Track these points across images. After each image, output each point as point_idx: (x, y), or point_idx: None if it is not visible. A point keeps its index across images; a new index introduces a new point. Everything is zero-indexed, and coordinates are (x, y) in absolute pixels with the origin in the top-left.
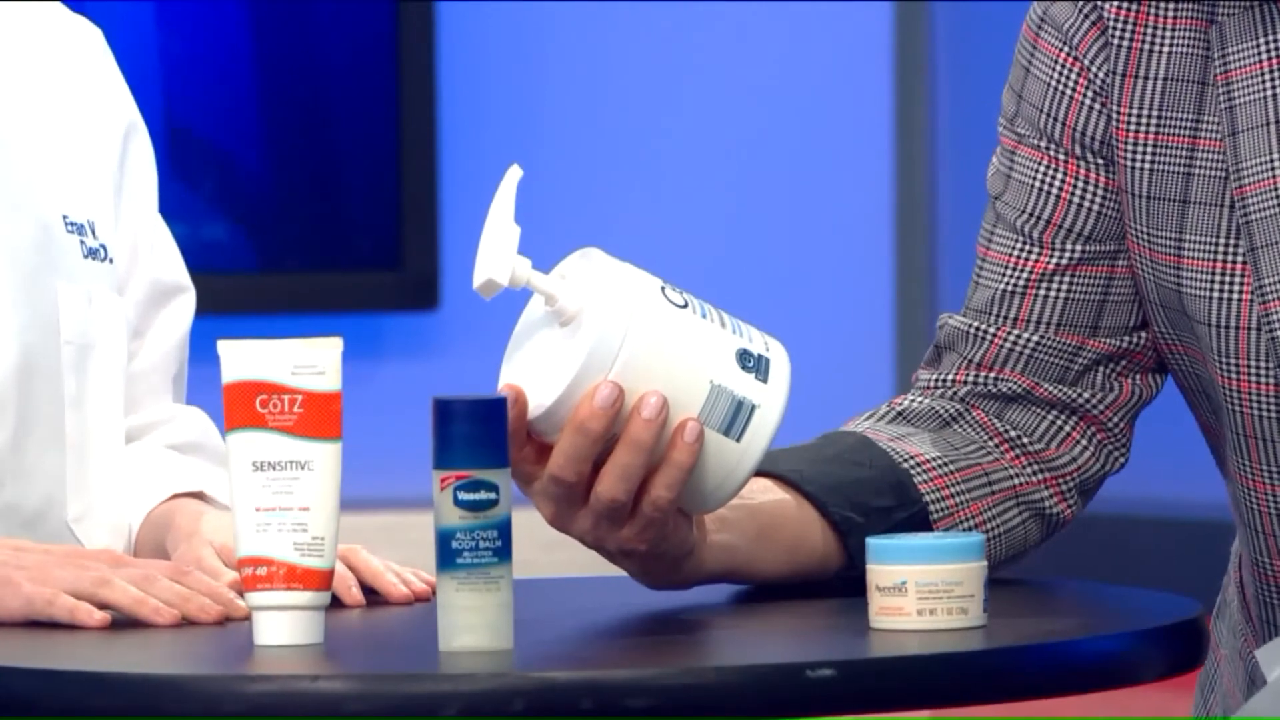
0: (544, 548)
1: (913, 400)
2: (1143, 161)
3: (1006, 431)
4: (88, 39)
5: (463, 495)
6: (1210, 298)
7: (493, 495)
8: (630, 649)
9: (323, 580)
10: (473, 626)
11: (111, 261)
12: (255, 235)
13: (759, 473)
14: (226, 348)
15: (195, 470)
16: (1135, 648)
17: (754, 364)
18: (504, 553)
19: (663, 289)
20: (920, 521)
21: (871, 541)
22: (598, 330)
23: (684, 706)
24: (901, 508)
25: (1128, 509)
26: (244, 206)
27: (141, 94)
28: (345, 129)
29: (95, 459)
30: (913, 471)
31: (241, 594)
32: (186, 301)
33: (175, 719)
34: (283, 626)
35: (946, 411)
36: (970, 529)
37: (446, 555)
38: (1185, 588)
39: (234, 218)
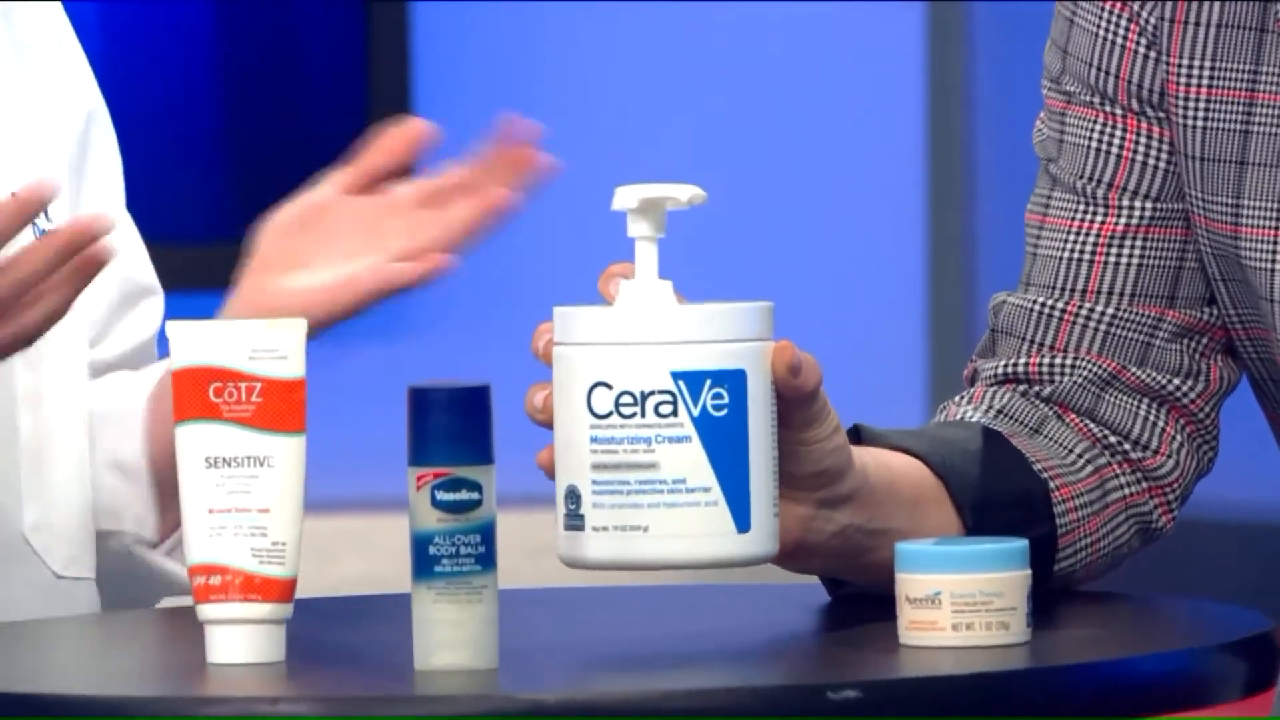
0: (531, 555)
1: (1001, 396)
2: (1195, 118)
3: (1105, 437)
4: (48, 15)
5: (441, 495)
6: (1272, 270)
7: (475, 495)
8: (629, 668)
9: (284, 590)
10: (453, 643)
11: None
12: (208, 202)
13: (906, 451)
14: (176, 330)
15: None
16: (1199, 667)
17: (573, 503)
18: (487, 560)
19: (594, 386)
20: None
21: (901, 547)
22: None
23: None
24: (1033, 524)
25: (1190, 511)
26: (196, 170)
27: (92, 53)
28: (310, 86)
29: (54, 463)
30: (1049, 485)
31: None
32: (155, 305)
33: None
34: (239, 642)
35: (1036, 416)
36: (1084, 548)
37: (423, 563)
38: (1255, 600)
39: (185, 183)
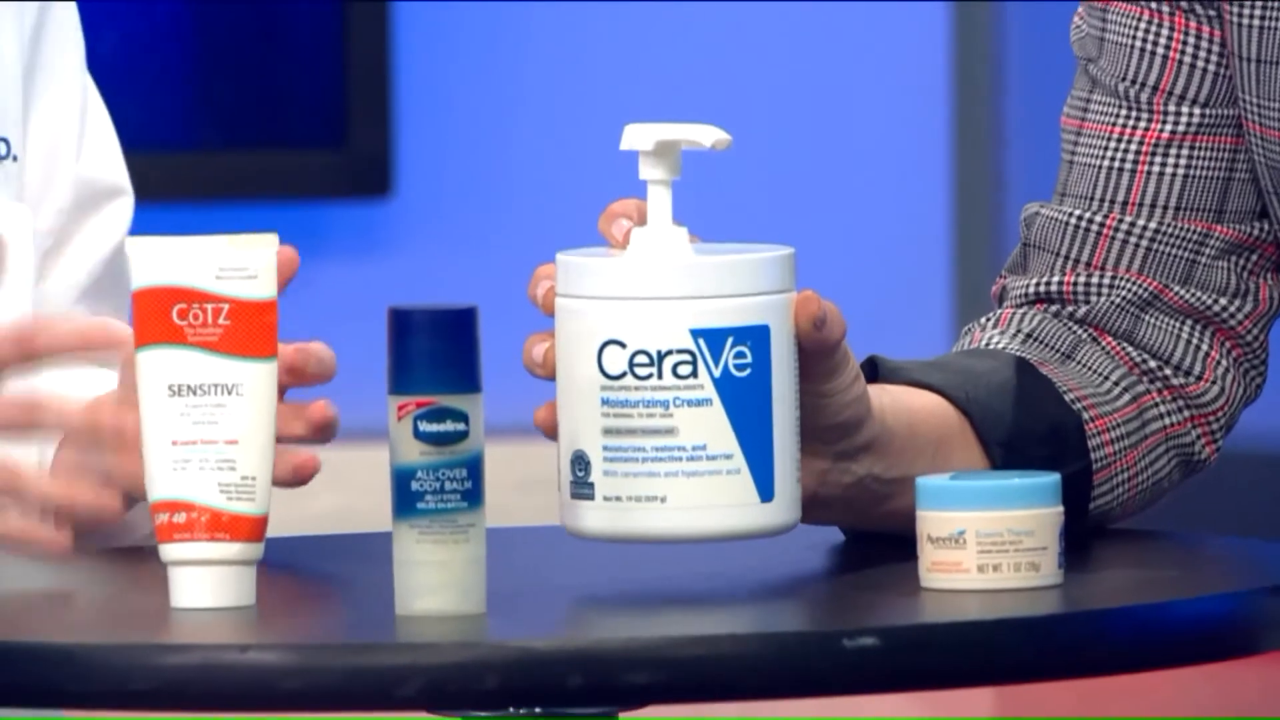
0: (522, 489)
1: (1031, 318)
2: (1251, 17)
3: (1144, 362)
4: None
5: (425, 426)
6: None
7: (461, 426)
8: (628, 613)
9: (254, 529)
10: (436, 586)
11: (15, 159)
12: (169, 106)
13: (926, 387)
14: (136, 246)
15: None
16: (1245, 611)
17: (581, 470)
18: (474, 496)
19: (605, 344)
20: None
21: (922, 482)
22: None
23: (694, 683)
24: (1066, 459)
25: (1236, 441)
26: (156, 71)
27: None
28: None
29: None
30: (1082, 416)
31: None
32: (122, 207)
33: (74, 697)
34: (205, 585)
35: (1068, 340)
36: (1122, 483)
37: (405, 499)
38: None
39: (144, 85)
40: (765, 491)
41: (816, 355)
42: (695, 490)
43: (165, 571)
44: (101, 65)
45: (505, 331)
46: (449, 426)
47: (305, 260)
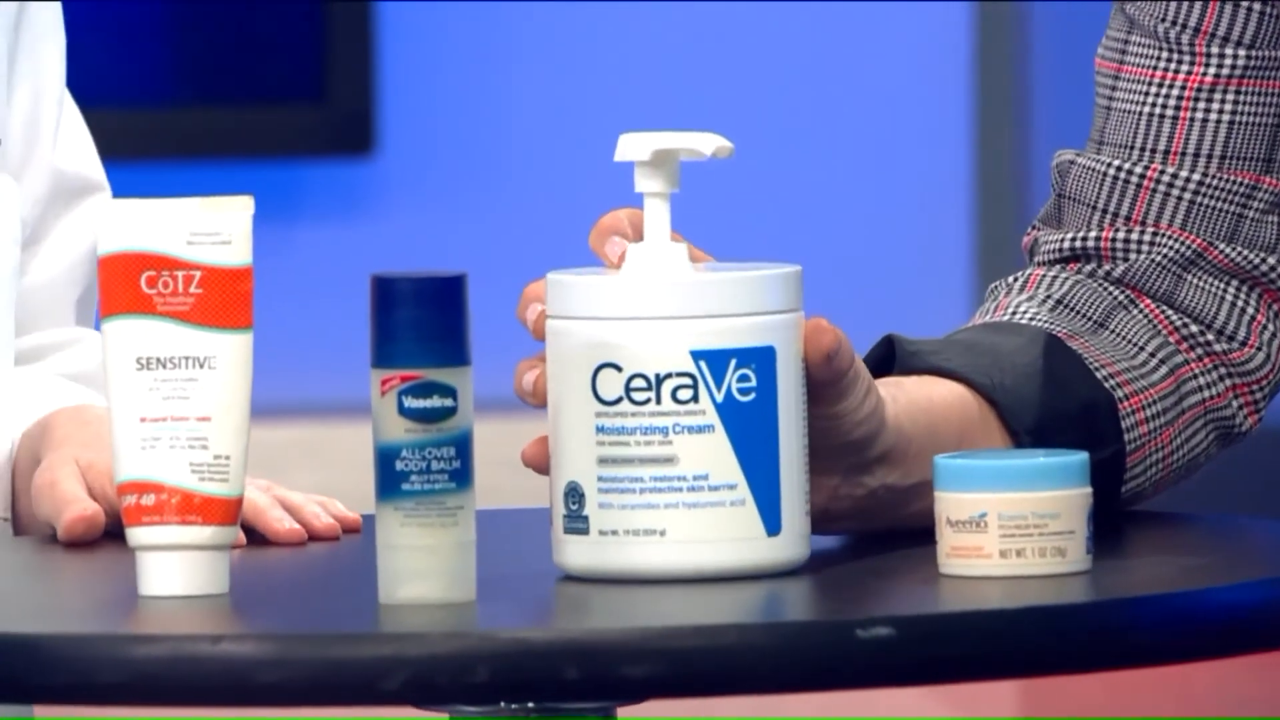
0: (515, 470)
1: (1063, 281)
2: None
3: (1185, 327)
4: None
5: (410, 402)
6: None
7: (449, 402)
8: (627, 601)
9: (228, 512)
10: (423, 572)
11: None
12: (138, 59)
13: (948, 374)
14: (102, 209)
15: (86, 396)
16: None
17: (575, 504)
18: (463, 476)
19: (599, 368)
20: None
21: (941, 462)
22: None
23: (696, 676)
24: (1099, 443)
25: (1274, 419)
26: (126, 22)
27: None
28: None
29: None
30: (1116, 395)
31: (115, 524)
32: (100, 202)
33: (35, 690)
34: (176, 572)
35: (1102, 305)
36: (1155, 463)
37: (389, 479)
38: None
39: (112, 36)
40: (772, 524)
41: (826, 380)
42: (696, 523)
43: (133, 557)
44: (71, 17)
45: (495, 300)
46: (436, 402)
47: (283, 223)
